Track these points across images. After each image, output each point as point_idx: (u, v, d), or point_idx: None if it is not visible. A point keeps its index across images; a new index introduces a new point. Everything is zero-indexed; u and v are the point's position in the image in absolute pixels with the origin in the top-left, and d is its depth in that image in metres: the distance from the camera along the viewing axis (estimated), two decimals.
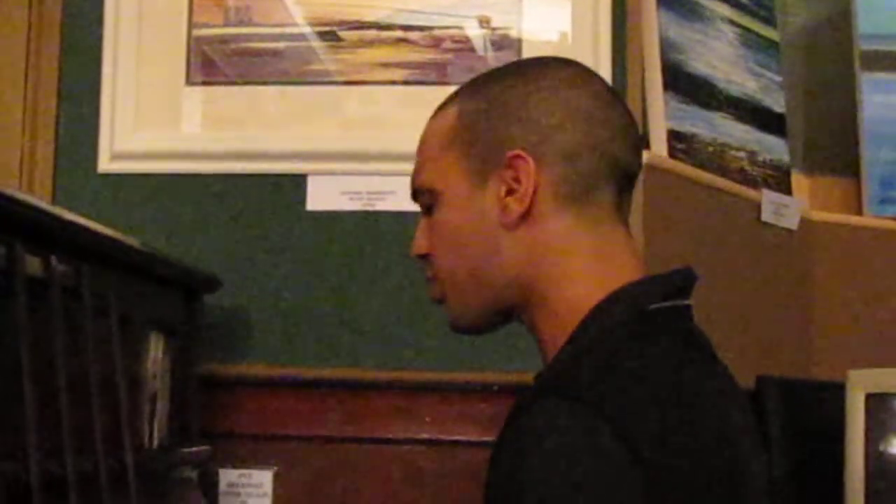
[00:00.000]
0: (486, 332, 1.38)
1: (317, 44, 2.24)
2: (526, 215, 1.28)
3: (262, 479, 2.14)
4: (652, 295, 1.25)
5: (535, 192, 1.27)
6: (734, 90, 2.48)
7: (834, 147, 2.75)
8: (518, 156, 1.27)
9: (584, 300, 1.25)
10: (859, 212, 2.62)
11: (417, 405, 2.14)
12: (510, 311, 1.33)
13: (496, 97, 1.31)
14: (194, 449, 1.91)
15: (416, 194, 1.38)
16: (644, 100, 2.26)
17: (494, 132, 1.30)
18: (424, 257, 1.37)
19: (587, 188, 1.28)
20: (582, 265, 1.28)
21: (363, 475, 2.14)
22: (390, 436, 2.14)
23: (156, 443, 1.84)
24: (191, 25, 2.26)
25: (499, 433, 1.16)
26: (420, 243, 1.38)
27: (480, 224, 1.30)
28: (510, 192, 1.28)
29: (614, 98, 1.34)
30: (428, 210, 1.36)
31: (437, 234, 1.34)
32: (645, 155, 2.14)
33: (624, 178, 1.32)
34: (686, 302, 1.29)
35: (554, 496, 1.06)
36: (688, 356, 1.24)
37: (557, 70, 1.33)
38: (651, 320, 1.24)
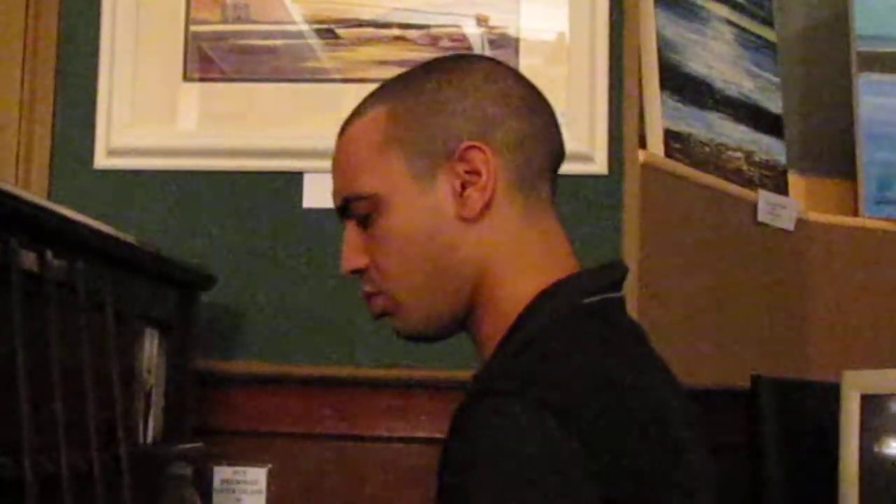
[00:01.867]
0: (439, 340, 1.36)
1: (314, 41, 2.24)
2: (487, 207, 1.27)
3: (257, 476, 2.14)
4: (586, 289, 1.26)
5: (495, 183, 1.26)
6: (731, 90, 2.49)
7: (830, 148, 2.75)
8: (473, 146, 1.26)
9: (522, 296, 1.25)
10: (855, 213, 2.63)
11: (412, 403, 2.14)
12: (462, 315, 1.30)
13: (430, 93, 1.29)
14: (189, 445, 1.90)
15: (347, 206, 1.32)
16: (641, 99, 2.26)
17: (436, 127, 1.28)
18: (360, 272, 1.33)
19: (533, 177, 1.29)
20: (528, 260, 1.28)
21: (358, 473, 2.14)
22: (385, 434, 2.14)
23: (150, 439, 1.83)
24: (188, 21, 2.25)
25: (445, 436, 1.15)
26: (354, 257, 1.33)
27: (434, 222, 1.27)
28: (465, 185, 1.26)
29: (534, 88, 1.34)
30: (363, 220, 1.31)
31: (382, 242, 1.30)
32: (641, 154, 2.15)
33: (556, 166, 1.34)
34: (619, 294, 1.29)
35: (503, 494, 1.06)
36: (623, 347, 1.24)
37: (483, 64, 1.34)
38: (585, 314, 1.24)
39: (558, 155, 1.33)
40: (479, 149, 1.26)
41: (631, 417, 1.15)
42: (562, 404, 1.09)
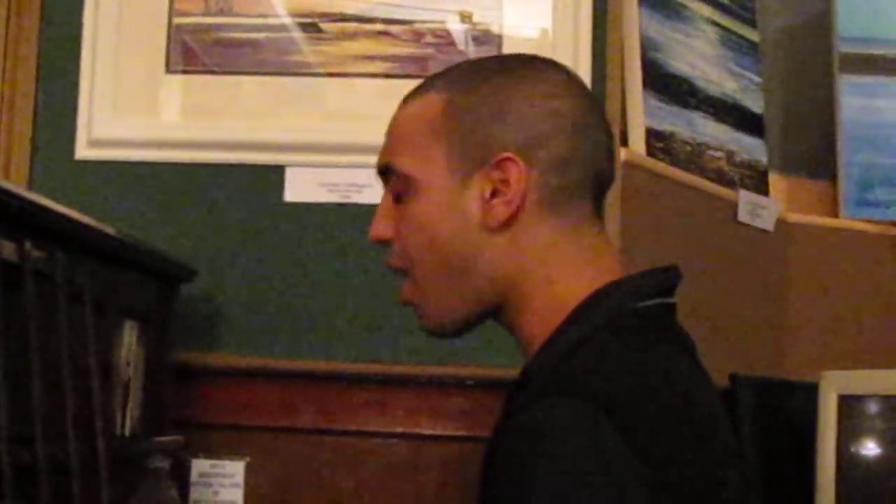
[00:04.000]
0: (461, 335, 1.35)
1: (298, 35, 2.24)
2: (510, 220, 1.26)
3: (235, 470, 2.14)
4: (638, 292, 1.25)
5: (522, 199, 1.26)
6: (713, 90, 2.49)
7: (811, 149, 2.76)
8: (510, 158, 1.26)
9: (569, 298, 1.25)
10: (835, 214, 2.63)
11: (391, 398, 2.14)
12: (489, 312, 1.31)
13: (489, 95, 1.29)
14: (166, 438, 1.90)
15: (385, 173, 1.34)
16: (623, 98, 2.27)
17: (485, 131, 1.27)
18: (386, 242, 1.34)
19: (569, 198, 1.28)
20: (565, 266, 1.27)
21: (336, 468, 2.14)
22: (363, 429, 2.14)
23: (128, 431, 1.83)
24: (171, 13, 2.25)
25: (495, 431, 1.14)
26: (383, 226, 1.34)
27: (461, 223, 1.28)
28: (494, 193, 1.26)
29: (599, 109, 1.34)
30: (397, 197, 1.32)
31: (409, 225, 1.31)
32: (623, 153, 2.15)
33: (601, 188, 1.33)
34: (671, 300, 1.29)
35: (564, 493, 1.05)
36: (677, 354, 1.24)
37: (550, 75, 1.32)
38: (639, 318, 1.24)
39: (604, 177, 1.32)
40: (516, 162, 1.26)
41: (686, 427, 1.15)
42: (618, 407, 1.10)
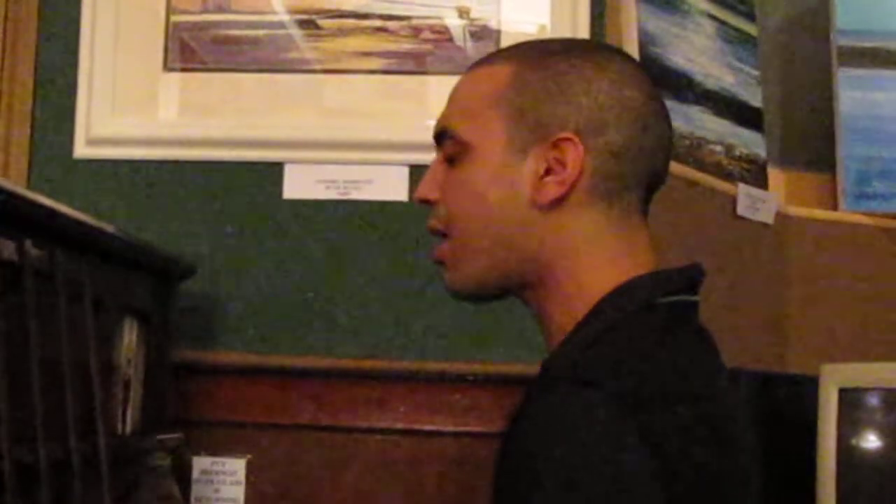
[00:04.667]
0: (483, 303, 1.36)
1: (295, 32, 2.24)
2: (560, 200, 1.26)
3: (236, 467, 2.14)
4: (662, 288, 1.25)
5: (575, 181, 1.25)
6: (712, 84, 2.49)
7: (810, 142, 2.76)
8: (569, 139, 1.25)
9: (597, 288, 1.24)
10: (835, 207, 2.63)
11: (391, 395, 2.14)
12: (516, 287, 1.30)
13: (559, 73, 1.28)
14: (167, 436, 1.90)
15: (441, 137, 1.33)
16: None
17: (549, 108, 1.27)
18: (430, 203, 1.33)
19: (622, 188, 1.28)
20: (602, 257, 1.27)
21: (336, 464, 2.14)
22: (364, 425, 2.14)
23: (129, 429, 1.83)
24: (169, 11, 2.25)
25: (511, 418, 1.14)
26: (430, 188, 1.34)
27: (510, 195, 1.27)
28: (548, 171, 1.26)
29: (662, 105, 1.33)
30: (450, 160, 1.32)
31: (458, 189, 1.30)
32: None
33: (654, 184, 1.32)
34: (695, 298, 1.28)
35: (574, 481, 1.05)
36: (693, 350, 1.24)
37: (620, 64, 1.31)
38: (662, 313, 1.23)
39: (657, 176, 1.32)
40: (575, 144, 1.25)
41: (705, 425, 1.15)
42: (633, 399, 1.10)
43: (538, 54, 1.31)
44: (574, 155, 1.25)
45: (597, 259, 1.26)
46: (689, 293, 1.28)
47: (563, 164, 1.25)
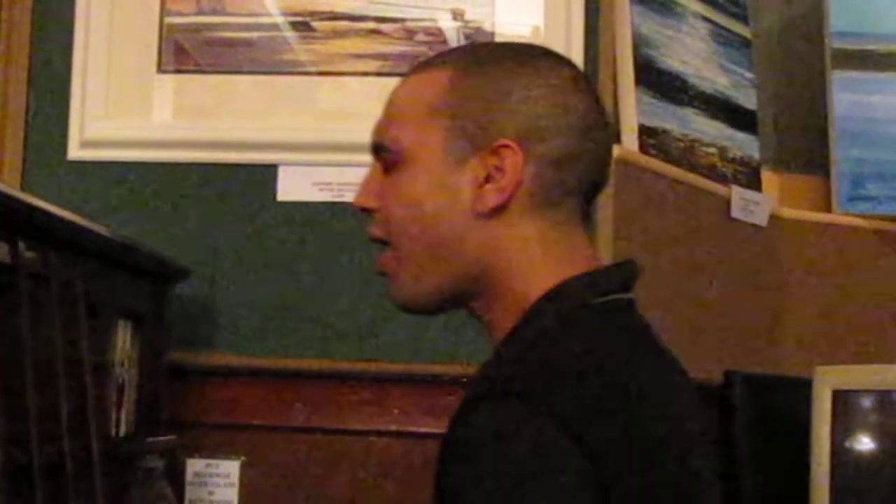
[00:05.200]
0: (432, 314, 1.36)
1: (289, 34, 2.24)
2: (500, 208, 1.25)
3: (230, 469, 2.14)
4: (595, 288, 1.24)
5: (515, 188, 1.25)
6: (706, 86, 2.49)
7: (804, 144, 2.76)
8: (508, 146, 1.24)
9: (535, 293, 1.24)
10: (828, 209, 2.63)
11: (386, 397, 2.14)
12: (461, 297, 1.30)
13: (496, 79, 1.27)
14: (161, 438, 1.90)
15: (379, 148, 1.31)
16: (615, 95, 2.27)
17: (487, 115, 1.25)
18: (370, 211, 1.32)
19: (562, 195, 1.27)
20: (541, 262, 1.26)
21: (330, 466, 2.14)
22: (358, 427, 2.14)
23: (123, 431, 1.83)
24: (163, 13, 2.25)
25: (448, 428, 1.15)
26: (367, 196, 1.32)
27: (449, 203, 1.26)
28: (488, 179, 1.25)
29: (603, 111, 1.32)
30: (387, 167, 1.30)
31: (396, 197, 1.29)
32: (616, 149, 2.15)
33: (594, 190, 1.32)
34: (628, 296, 1.28)
35: (505, 495, 1.06)
36: (630, 349, 1.23)
37: (561, 70, 1.30)
38: (593, 314, 1.23)
39: (598, 181, 1.31)
40: (514, 151, 1.24)
41: (634, 425, 1.14)
42: (562, 411, 1.09)
43: (477, 60, 1.30)
44: (513, 162, 1.24)
45: (535, 264, 1.26)
46: (622, 292, 1.27)
47: (502, 170, 1.24)
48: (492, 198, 1.25)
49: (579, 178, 1.28)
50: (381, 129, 1.32)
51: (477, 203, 1.25)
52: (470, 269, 1.27)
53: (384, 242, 1.32)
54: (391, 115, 1.32)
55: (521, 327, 1.23)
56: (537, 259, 1.26)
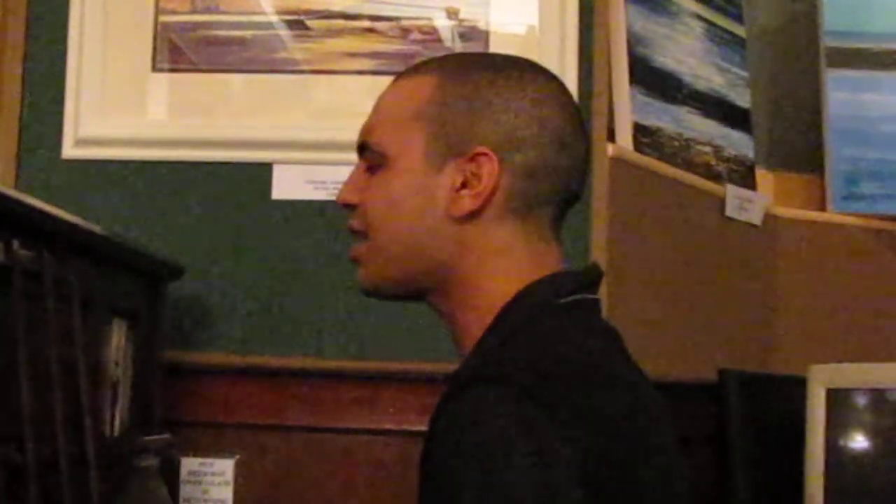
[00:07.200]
0: (391, 300, 1.42)
1: (284, 32, 2.24)
2: (474, 213, 1.30)
3: (224, 468, 2.14)
4: (561, 289, 1.29)
5: (490, 195, 1.29)
6: (700, 85, 2.50)
7: (798, 143, 2.77)
8: (485, 154, 1.29)
9: (502, 296, 1.28)
10: (823, 208, 2.64)
11: (380, 396, 2.14)
12: (423, 291, 1.35)
13: (479, 88, 1.31)
14: (155, 437, 1.90)
15: (364, 148, 1.37)
16: (610, 93, 2.27)
17: (467, 122, 1.30)
18: (352, 207, 1.37)
19: (535, 205, 1.32)
20: (510, 268, 1.31)
21: (325, 465, 2.14)
22: (353, 426, 2.14)
23: (117, 430, 1.83)
24: (157, 12, 2.24)
25: (429, 423, 1.18)
26: (351, 192, 1.37)
27: (426, 206, 1.31)
28: (464, 185, 1.29)
29: (581, 125, 1.36)
30: (370, 167, 1.35)
31: (376, 195, 1.34)
32: (610, 148, 2.16)
33: (568, 202, 1.36)
34: (594, 296, 1.33)
35: (492, 474, 1.09)
36: (600, 344, 1.28)
37: (542, 83, 1.35)
38: (559, 311, 1.27)
39: (573, 193, 1.36)
40: (490, 159, 1.29)
41: (610, 409, 1.19)
42: (540, 391, 1.13)
43: (462, 69, 1.35)
44: (489, 170, 1.29)
45: (504, 269, 1.30)
46: (587, 292, 1.32)
47: (478, 178, 1.29)
48: (467, 203, 1.30)
49: (553, 190, 1.32)
50: (368, 130, 1.37)
51: (452, 207, 1.30)
52: (438, 269, 1.32)
53: (362, 235, 1.37)
54: (377, 117, 1.37)
55: (495, 327, 1.28)
56: (507, 265, 1.31)
